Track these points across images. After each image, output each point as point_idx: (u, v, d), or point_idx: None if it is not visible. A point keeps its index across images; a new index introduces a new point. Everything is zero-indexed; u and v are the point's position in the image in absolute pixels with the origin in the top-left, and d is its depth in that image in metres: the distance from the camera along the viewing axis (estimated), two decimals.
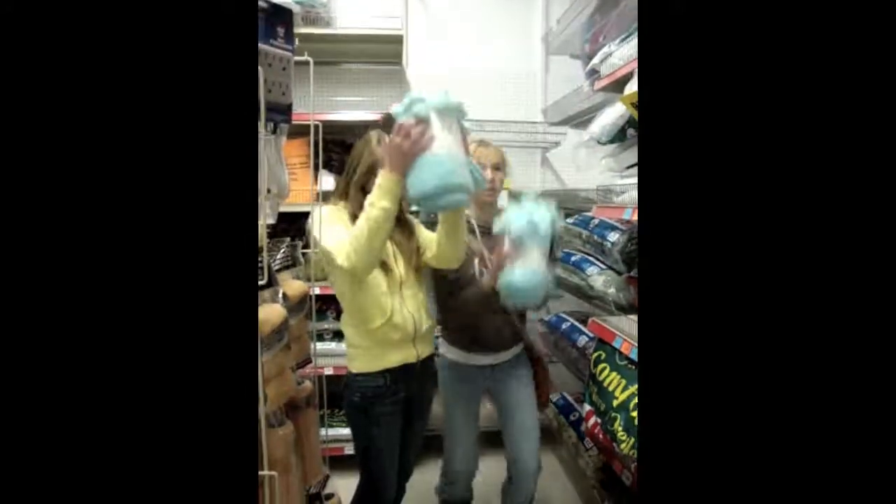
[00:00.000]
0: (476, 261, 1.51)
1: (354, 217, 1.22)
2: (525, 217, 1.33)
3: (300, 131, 2.02)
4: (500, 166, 1.54)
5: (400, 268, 1.33)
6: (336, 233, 1.21)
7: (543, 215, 1.35)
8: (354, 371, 1.32)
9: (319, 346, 2.11)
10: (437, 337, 1.59)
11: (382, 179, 1.12)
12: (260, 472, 0.87)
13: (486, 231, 1.49)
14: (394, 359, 1.31)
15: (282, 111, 1.00)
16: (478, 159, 1.52)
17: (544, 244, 1.36)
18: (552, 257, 1.43)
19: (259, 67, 0.86)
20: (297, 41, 1.10)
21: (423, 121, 1.09)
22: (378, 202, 1.11)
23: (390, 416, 1.33)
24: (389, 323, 1.28)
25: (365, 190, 1.24)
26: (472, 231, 1.50)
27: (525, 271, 1.31)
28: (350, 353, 1.34)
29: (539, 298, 1.38)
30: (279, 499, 0.93)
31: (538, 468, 1.61)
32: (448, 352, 1.62)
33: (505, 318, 1.55)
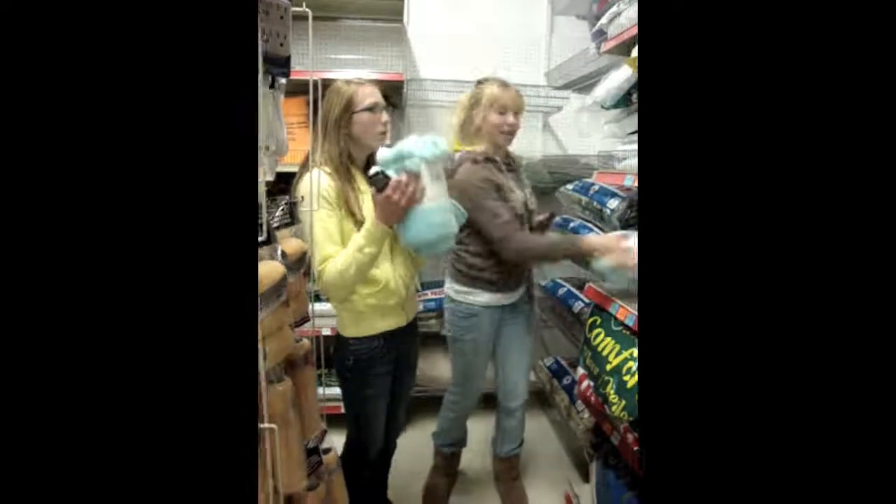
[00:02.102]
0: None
1: (338, 160, 1.27)
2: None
3: (297, 90, 1.97)
4: (520, 111, 1.55)
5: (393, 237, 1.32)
6: (328, 238, 1.23)
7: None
8: (347, 336, 1.34)
9: (317, 306, 2.12)
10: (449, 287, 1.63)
11: (374, 228, 1.17)
12: (260, 426, 0.88)
13: (511, 167, 1.60)
14: (387, 323, 1.34)
15: (280, 63, 0.96)
16: (504, 104, 1.51)
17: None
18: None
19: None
20: None
21: (415, 175, 1.12)
22: (367, 248, 1.18)
23: (383, 376, 1.37)
24: (385, 290, 1.30)
25: (344, 130, 1.28)
26: (499, 170, 1.52)
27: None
28: (342, 318, 1.36)
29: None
30: (279, 451, 0.95)
31: (525, 401, 1.74)
32: (478, 297, 1.60)
33: None
